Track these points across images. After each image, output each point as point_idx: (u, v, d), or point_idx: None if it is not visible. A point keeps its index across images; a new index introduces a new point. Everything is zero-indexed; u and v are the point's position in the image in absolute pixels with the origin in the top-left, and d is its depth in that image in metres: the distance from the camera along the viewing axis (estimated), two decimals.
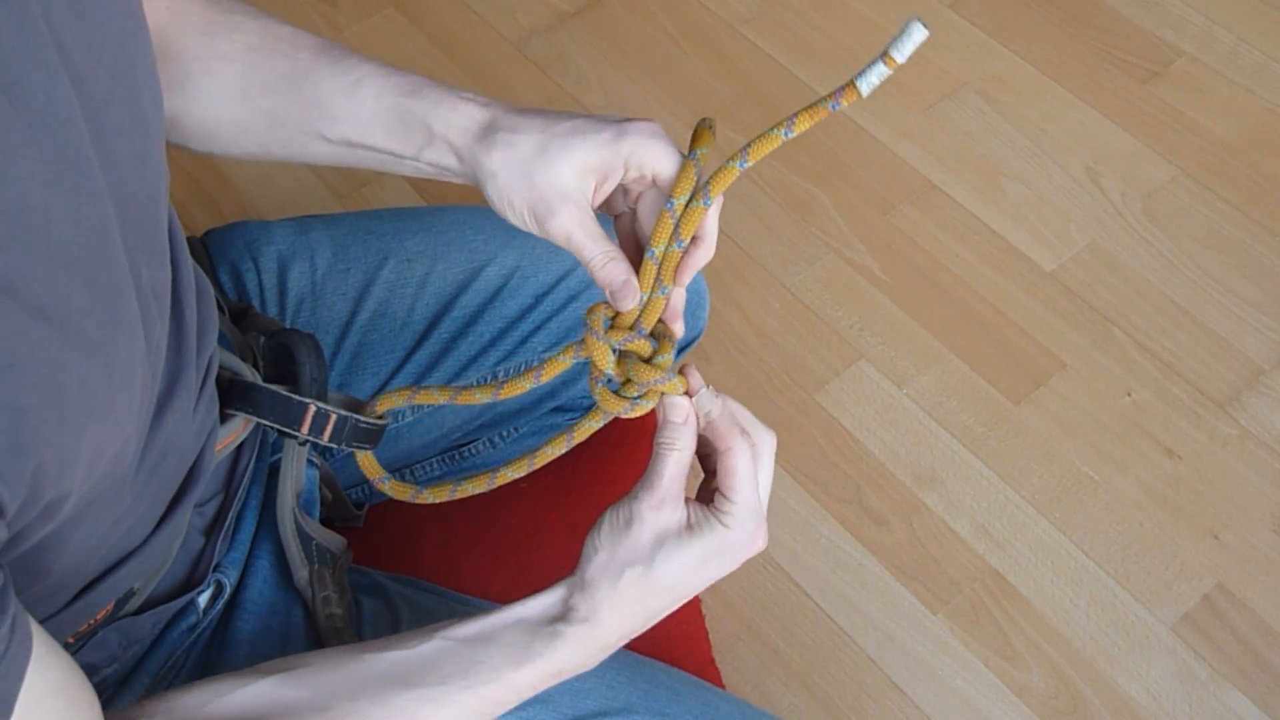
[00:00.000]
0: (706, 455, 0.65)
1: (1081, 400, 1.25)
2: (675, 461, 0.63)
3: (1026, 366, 1.28)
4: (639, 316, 0.66)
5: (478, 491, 0.70)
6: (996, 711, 1.08)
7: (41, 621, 0.58)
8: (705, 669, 1.05)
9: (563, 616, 0.62)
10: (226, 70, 0.67)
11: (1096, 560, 1.15)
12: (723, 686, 1.05)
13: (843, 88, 0.59)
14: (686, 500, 0.63)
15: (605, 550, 0.62)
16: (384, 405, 0.73)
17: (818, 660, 1.10)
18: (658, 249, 0.64)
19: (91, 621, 0.63)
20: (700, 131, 0.66)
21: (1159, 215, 1.39)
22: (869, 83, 0.58)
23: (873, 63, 0.58)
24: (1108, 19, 1.57)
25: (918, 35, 0.56)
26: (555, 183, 0.64)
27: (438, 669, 0.60)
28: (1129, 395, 1.26)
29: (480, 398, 0.71)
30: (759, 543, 0.64)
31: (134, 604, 0.66)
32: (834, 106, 0.59)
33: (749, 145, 0.62)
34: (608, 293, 0.65)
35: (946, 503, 1.19)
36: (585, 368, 0.69)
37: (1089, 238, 1.37)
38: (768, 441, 0.63)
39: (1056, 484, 1.20)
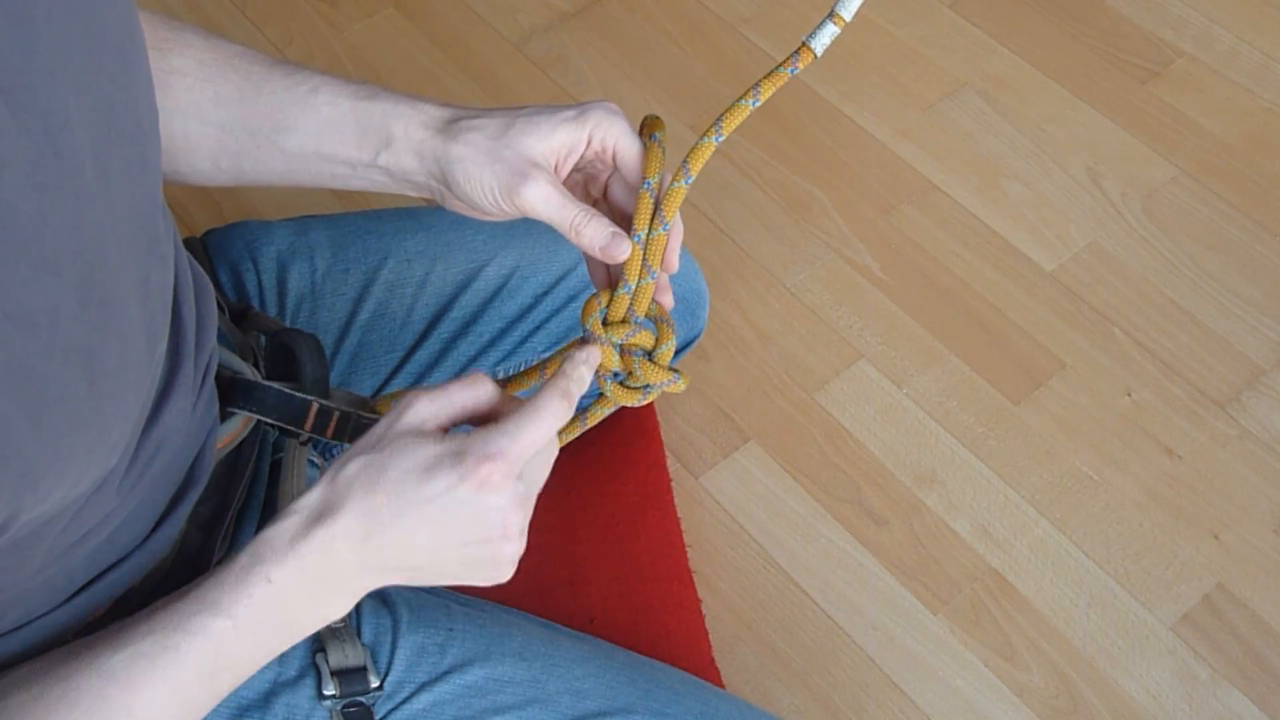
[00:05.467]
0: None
1: (1081, 400, 1.25)
2: (467, 394, 0.59)
3: (1026, 366, 1.28)
4: (631, 304, 0.66)
5: None
6: (996, 711, 1.08)
7: (39, 618, 0.58)
8: (705, 669, 1.05)
9: (269, 521, 0.57)
10: (178, 85, 0.67)
11: (1096, 560, 1.15)
12: (723, 686, 1.05)
13: (797, 51, 0.62)
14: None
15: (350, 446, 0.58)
16: (384, 408, 0.73)
17: (818, 660, 1.10)
18: (642, 233, 0.64)
19: (90, 620, 0.63)
20: (651, 120, 0.68)
21: (1159, 215, 1.39)
22: (821, 43, 0.62)
23: (822, 23, 0.61)
24: (1108, 19, 1.57)
25: None
26: (523, 153, 0.64)
27: (147, 622, 0.56)
28: (1129, 395, 1.26)
29: None
30: (497, 474, 0.56)
31: (134, 602, 0.66)
32: (793, 70, 0.62)
33: (720, 119, 0.64)
34: (597, 250, 0.63)
35: (946, 503, 1.19)
36: None
37: (1089, 238, 1.37)
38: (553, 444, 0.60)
39: (1056, 484, 1.20)
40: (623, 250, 0.64)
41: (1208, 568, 1.15)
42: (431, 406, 0.58)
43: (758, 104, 0.63)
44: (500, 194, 0.64)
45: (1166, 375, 1.27)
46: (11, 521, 0.45)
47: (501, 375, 0.91)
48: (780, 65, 0.62)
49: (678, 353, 1.02)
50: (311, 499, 0.57)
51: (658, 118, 0.68)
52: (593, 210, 0.64)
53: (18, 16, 0.42)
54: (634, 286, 0.65)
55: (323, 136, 0.67)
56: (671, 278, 0.95)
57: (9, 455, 0.43)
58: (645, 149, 0.65)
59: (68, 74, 0.45)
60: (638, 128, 0.68)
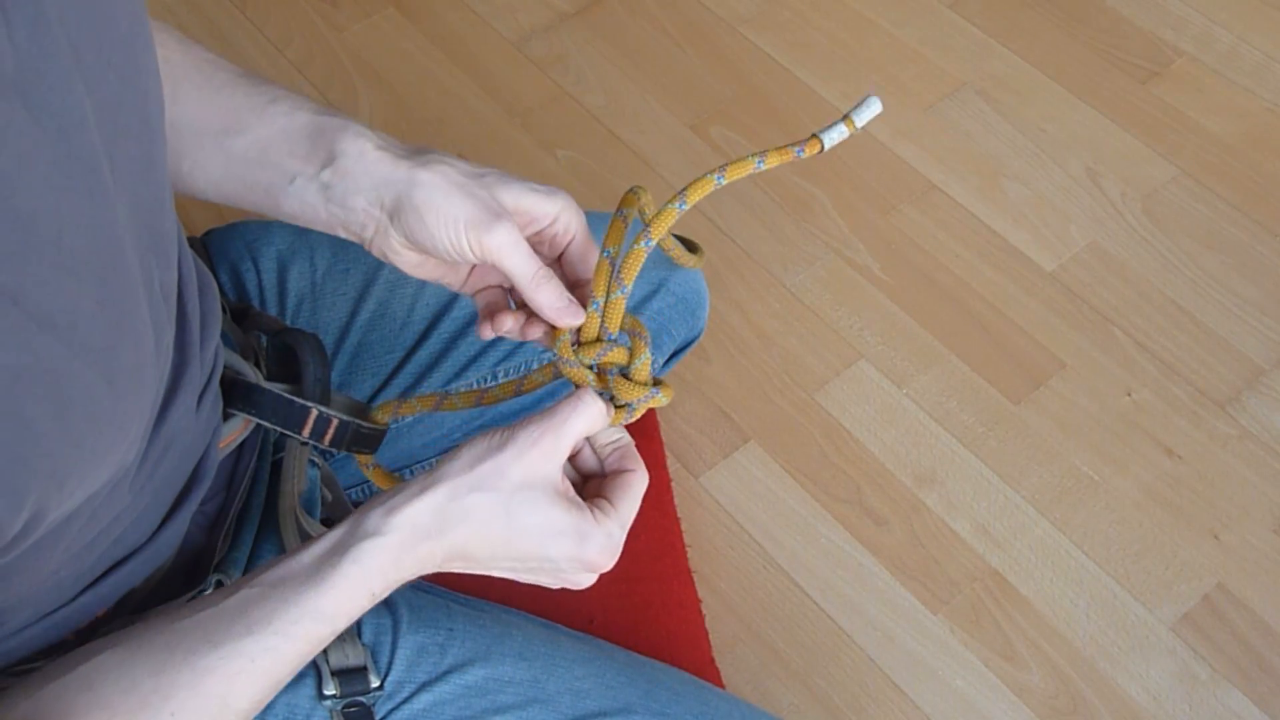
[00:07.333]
0: (589, 477, 0.67)
1: (1081, 400, 1.25)
2: (584, 419, 0.62)
3: (1026, 366, 1.28)
4: (602, 322, 0.66)
5: None
6: (996, 711, 1.08)
7: (44, 617, 0.58)
8: (705, 669, 1.05)
9: (374, 530, 0.59)
10: None
11: (1096, 560, 1.15)
12: (723, 686, 1.05)
13: (807, 140, 0.64)
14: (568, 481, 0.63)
15: (463, 461, 0.60)
16: (380, 419, 0.73)
17: (818, 660, 1.10)
18: (600, 300, 0.65)
19: (93, 620, 0.63)
20: (627, 196, 0.69)
21: (1159, 215, 1.39)
22: (830, 139, 0.64)
23: (835, 123, 0.64)
24: (1108, 19, 1.57)
25: (875, 108, 0.64)
26: (496, 199, 0.64)
27: (244, 619, 0.57)
28: (1129, 395, 1.26)
29: (462, 405, 0.71)
30: (608, 561, 0.62)
31: (135, 602, 0.66)
32: (799, 152, 0.65)
33: (685, 192, 0.65)
34: (550, 312, 0.64)
35: (946, 503, 1.19)
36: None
37: (1089, 238, 1.37)
38: (645, 481, 0.65)
39: (1056, 484, 1.20)
40: (576, 319, 0.65)
41: (1208, 568, 1.15)
42: (557, 457, 0.61)
43: (722, 181, 0.64)
44: (467, 229, 0.63)
45: (1166, 375, 1.27)
46: (38, 522, 0.45)
47: (489, 382, 0.91)
48: (790, 144, 0.65)
49: (678, 353, 1.02)
50: (420, 517, 0.59)
51: (636, 196, 0.69)
52: (550, 273, 0.65)
53: (34, 16, 0.42)
54: (603, 304, 0.65)
55: (271, 143, 0.66)
56: (671, 278, 0.95)
57: (37, 456, 0.43)
58: (610, 221, 0.67)
59: (81, 72, 0.45)
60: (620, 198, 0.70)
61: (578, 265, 0.69)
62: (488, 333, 0.69)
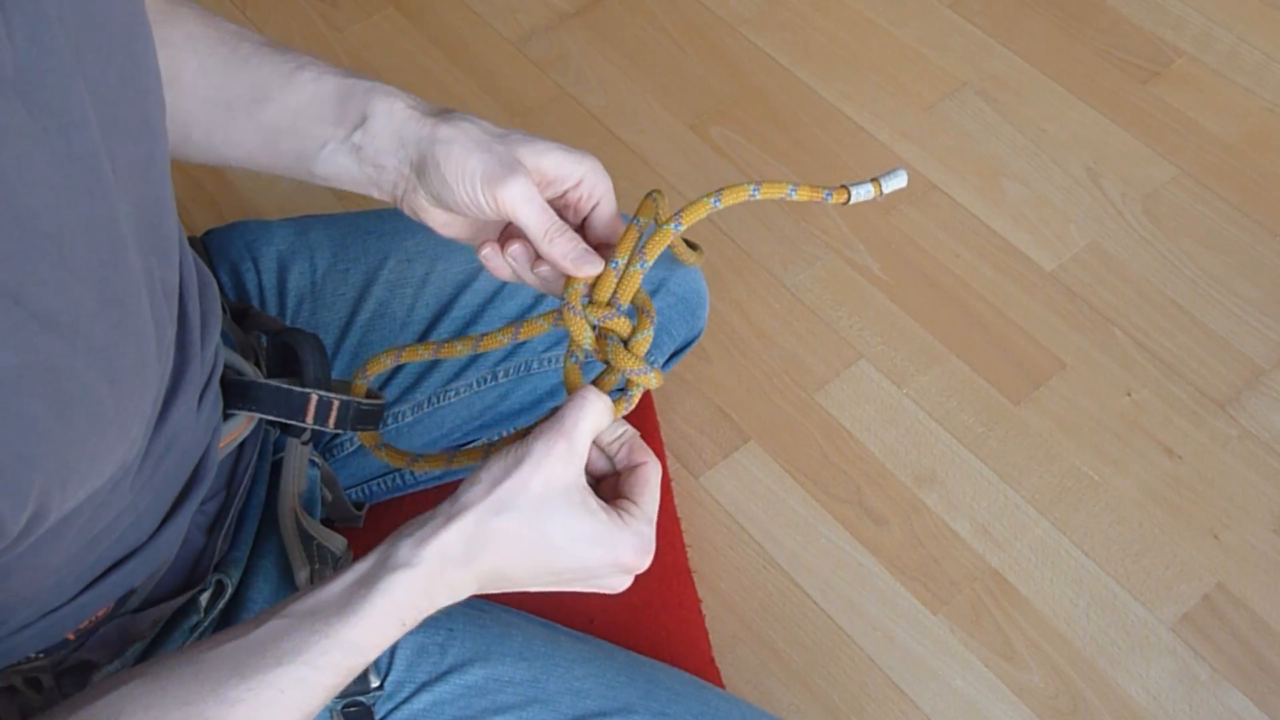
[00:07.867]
0: (602, 479, 0.66)
1: (1081, 400, 1.25)
2: (591, 417, 0.61)
3: (1026, 366, 1.28)
4: (615, 291, 0.66)
5: (473, 464, 0.70)
6: (996, 711, 1.08)
7: (44, 616, 0.58)
8: (705, 669, 1.05)
9: (404, 562, 0.58)
10: (161, 56, 0.67)
11: (1096, 560, 1.15)
12: (723, 686, 1.05)
13: (836, 188, 0.68)
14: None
15: (483, 485, 0.59)
16: (373, 369, 0.73)
17: (818, 660, 1.10)
18: (620, 260, 0.65)
19: (93, 619, 0.63)
20: (645, 203, 0.70)
21: (1159, 215, 1.39)
22: (859, 194, 0.68)
23: (864, 181, 0.68)
24: (1108, 19, 1.57)
25: (901, 181, 0.68)
26: (514, 155, 0.64)
27: (273, 650, 0.56)
28: (1129, 395, 1.26)
29: (461, 350, 0.72)
30: (643, 561, 0.61)
31: (134, 601, 0.66)
32: (827, 196, 0.68)
33: (722, 192, 0.66)
34: (569, 262, 0.64)
35: (946, 503, 1.19)
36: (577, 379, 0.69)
37: (1089, 238, 1.37)
38: (660, 470, 0.64)
39: (1056, 484, 1.20)
40: (594, 267, 0.64)
41: (1208, 568, 1.15)
42: (575, 460, 0.60)
43: (757, 195, 0.66)
44: (482, 183, 0.63)
45: (1166, 375, 1.27)
46: (40, 521, 0.45)
47: (490, 380, 0.91)
48: (823, 186, 0.68)
49: (678, 353, 1.02)
50: (449, 547, 0.58)
51: (654, 201, 0.69)
52: (565, 226, 0.64)
53: (35, 15, 0.42)
54: (621, 264, 0.65)
55: (301, 110, 0.66)
56: (671, 278, 0.95)
57: (41, 455, 0.43)
58: (625, 228, 0.67)
59: (81, 71, 0.45)
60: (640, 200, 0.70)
61: (602, 233, 0.68)
62: (489, 251, 0.67)
